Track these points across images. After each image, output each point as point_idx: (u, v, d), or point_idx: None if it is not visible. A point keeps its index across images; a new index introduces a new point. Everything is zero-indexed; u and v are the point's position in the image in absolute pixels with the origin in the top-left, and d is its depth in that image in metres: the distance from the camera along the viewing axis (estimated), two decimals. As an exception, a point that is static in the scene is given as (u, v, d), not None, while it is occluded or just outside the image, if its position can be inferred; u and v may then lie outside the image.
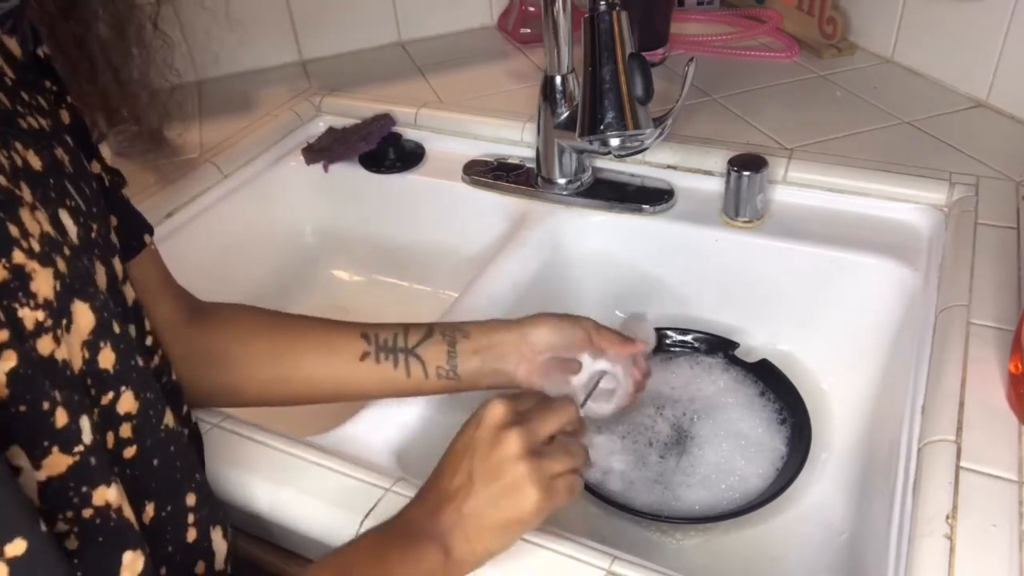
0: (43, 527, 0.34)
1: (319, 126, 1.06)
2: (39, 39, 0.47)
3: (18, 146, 0.41)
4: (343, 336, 0.60)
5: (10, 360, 0.35)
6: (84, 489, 0.38)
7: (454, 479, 0.48)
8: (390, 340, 0.60)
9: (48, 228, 0.39)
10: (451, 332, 0.61)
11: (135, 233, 0.54)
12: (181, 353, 0.57)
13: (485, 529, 0.47)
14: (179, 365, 0.57)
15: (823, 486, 0.73)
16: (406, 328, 0.61)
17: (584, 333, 0.63)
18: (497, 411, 0.49)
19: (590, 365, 0.63)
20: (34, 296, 0.37)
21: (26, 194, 0.39)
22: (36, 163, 0.41)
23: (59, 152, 0.44)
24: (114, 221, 0.52)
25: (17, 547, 0.32)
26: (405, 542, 0.46)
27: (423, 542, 0.46)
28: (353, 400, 0.64)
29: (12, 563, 0.32)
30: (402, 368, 0.59)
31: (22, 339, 0.36)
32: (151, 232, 0.56)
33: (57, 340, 0.38)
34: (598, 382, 0.62)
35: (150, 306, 0.55)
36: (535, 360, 0.61)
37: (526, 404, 0.51)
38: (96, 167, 0.51)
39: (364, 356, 0.59)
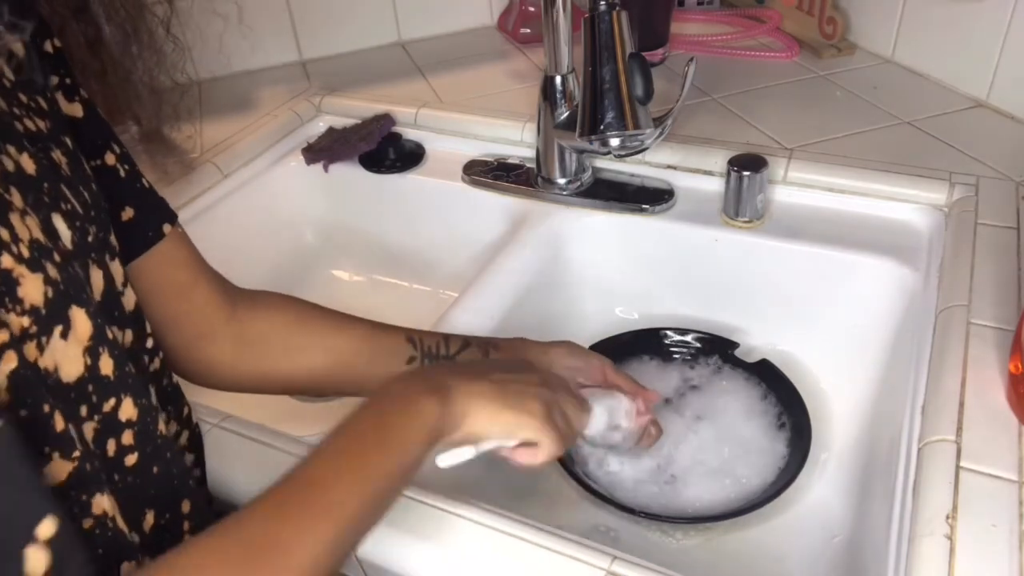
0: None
1: (319, 126, 1.06)
2: (49, 33, 0.47)
3: (11, 150, 0.40)
4: (390, 338, 0.63)
5: (11, 362, 0.34)
6: (84, 497, 0.38)
7: (465, 367, 0.54)
8: (434, 347, 0.63)
9: (38, 234, 0.39)
10: (484, 344, 0.65)
11: (154, 223, 0.53)
12: (229, 334, 0.58)
13: (483, 392, 0.50)
14: (226, 347, 0.58)
15: (823, 486, 0.73)
16: (447, 337, 0.64)
17: (600, 364, 0.67)
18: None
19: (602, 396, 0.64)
20: (20, 302, 0.36)
21: (16, 199, 0.38)
22: (30, 167, 0.41)
23: (56, 155, 0.44)
24: (131, 212, 0.51)
25: (48, 527, 0.32)
26: (405, 396, 0.48)
27: (420, 394, 0.48)
28: None
29: (50, 544, 0.32)
30: None
31: (18, 342, 0.36)
32: (173, 220, 0.55)
33: (41, 348, 0.38)
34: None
35: (187, 289, 0.55)
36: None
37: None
38: (111, 158, 0.50)
39: (411, 360, 0.62)
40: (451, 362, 0.63)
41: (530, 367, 0.57)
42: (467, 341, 0.64)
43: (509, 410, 0.51)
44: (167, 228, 0.54)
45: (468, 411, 0.49)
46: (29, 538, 0.32)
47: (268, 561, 0.38)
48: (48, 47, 0.47)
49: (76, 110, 0.48)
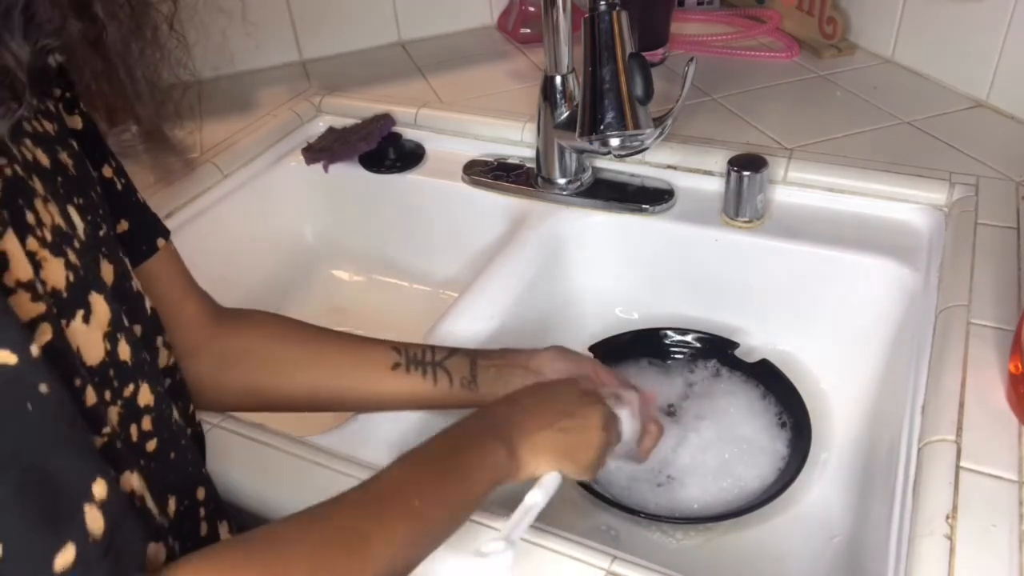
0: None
1: (319, 126, 1.06)
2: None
3: (28, 142, 0.41)
4: (374, 348, 0.63)
5: (46, 334, 0.35)
6: (112, 473, 0.39)
7: (535, 409, 0.56)
8: (419, 354, 0.63)
9: (59, 221, 0.40)
10: (471, 352, 0.65)
11: (148, 237, 0.54)
12: (212, 352, 0.58)
13: (547, 446, 0.54)
14: (208, 365, 0.58)
15: (823, 486, 0.73)
16: (432, 346, 0.65)
17: (591, 365, 0.67)
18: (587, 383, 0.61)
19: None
20: (43, 284, 0.37)
21: (38, 186, 0.39)
22: (45, 160, 0.42)
23: (64, 156, 0.44)
24: (126, 225, 0.52)
25: (100, 488, 0.33)
26: (476, 437, 0.52)
27: (491, 439, 0.51)
28: (379, 410, 0.65)
29: (103, 507, 0.33)
30: (430, 378, 0.63)
31: (56, 316, 0.36)
32: (166, 236, 0.56)
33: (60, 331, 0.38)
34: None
35: (175, 306, 0.56)
36: (544, 379, 0.63)
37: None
38: (108, 171, 0.51)
39: (395, 366, 0.62)
40: (522, 392, 0.60)
41: (595, 400, 0.59)
42: (454, 350, 0.64)
43: (566, 461, 0.54)
44: (160, 243, 0.55)
45: (530, 462, 0.53)
46: (88, 496, 0.33)
47: (352, 547, 0.42)
48: (51, 61, 0.47)
49: (76, 123, 0.49)
